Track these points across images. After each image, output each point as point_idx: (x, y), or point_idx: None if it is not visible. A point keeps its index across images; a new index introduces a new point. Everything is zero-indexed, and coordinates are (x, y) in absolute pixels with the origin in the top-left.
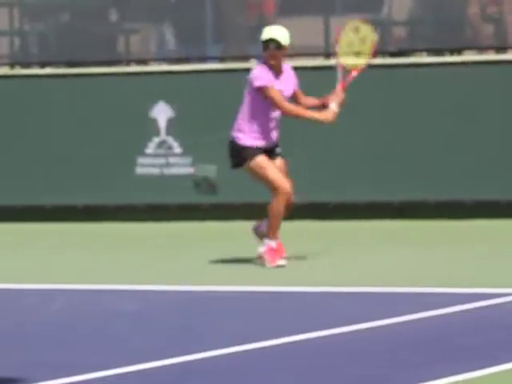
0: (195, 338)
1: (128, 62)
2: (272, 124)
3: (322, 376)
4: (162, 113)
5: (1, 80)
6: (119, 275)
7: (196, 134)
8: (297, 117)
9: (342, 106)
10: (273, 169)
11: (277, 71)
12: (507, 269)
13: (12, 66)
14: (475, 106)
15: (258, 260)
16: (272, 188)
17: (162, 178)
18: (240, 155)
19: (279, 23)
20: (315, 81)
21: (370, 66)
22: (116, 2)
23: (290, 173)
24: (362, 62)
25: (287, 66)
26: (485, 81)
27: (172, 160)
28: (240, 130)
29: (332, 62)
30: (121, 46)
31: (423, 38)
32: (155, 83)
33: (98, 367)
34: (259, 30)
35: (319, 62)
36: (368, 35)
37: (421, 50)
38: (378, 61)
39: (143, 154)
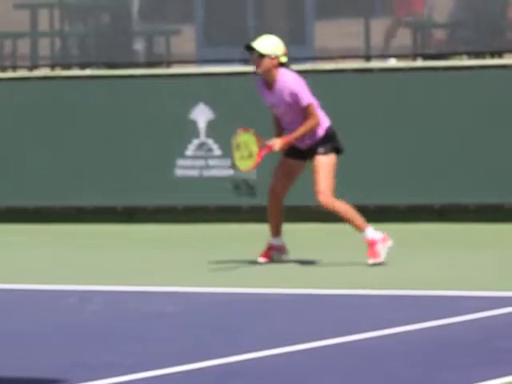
0: (236, 340)
1: (168, 64)
2: (287, 128)
3: (365, 377)
4: (201, 115)
5: (41, 81)
6: (159, 277)
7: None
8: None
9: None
10: (278, 169)
11: (268, 82)
12: None
13: (52, 67)
14: None
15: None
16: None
17: (201, 179)
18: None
19: (317, 26)
20: (356, 83)
21: (411, 69)
22: (157, 3)
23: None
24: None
25: (283, 79)
26: None
27: (211, 162)
28: None
29: (372, 64)
30: (161, 47)
31: (463, 41)
32: (195, 85)
33: (138, 368)
34: (299, 33)
35: (360, 64)
36: (246, 139)
37: (461, 53)
38: (419, 63)
39: (183, 156)
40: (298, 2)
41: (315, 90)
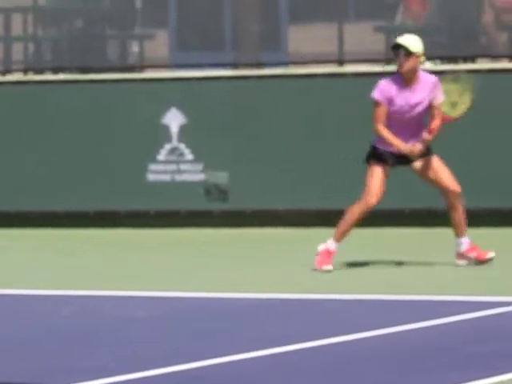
0: (210, 344)
1: (141, 68)
2: (408, 131)
3: (336, 381)
4: (174, 119)
5: (14, 86)
6: (130, 281)
7: (208, 141)
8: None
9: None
10: (375, 179)
11: (408, 81)
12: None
13: (25, 71)
14: (490, 111)
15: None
16: (363, 193)
17: (173, 184)
18: (370, 153)
19: (291, 31)
20: (329, 87)
21: (384, 74)
22: (129, 8)
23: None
24: (455, 112)
25: (427, 77)
26: (498, 88)
27: (183, 167)
28: None
29: (345, 69)
30: (135, 51)
31: (437, 46)
32: (168, 89)
33: (111, 372)
34: (273, 38)
35: (332, 69)
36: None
37: (434, 58)
38: (392, 68)
39: (155, 161)
40: (272, 6)
41: (288, 95)
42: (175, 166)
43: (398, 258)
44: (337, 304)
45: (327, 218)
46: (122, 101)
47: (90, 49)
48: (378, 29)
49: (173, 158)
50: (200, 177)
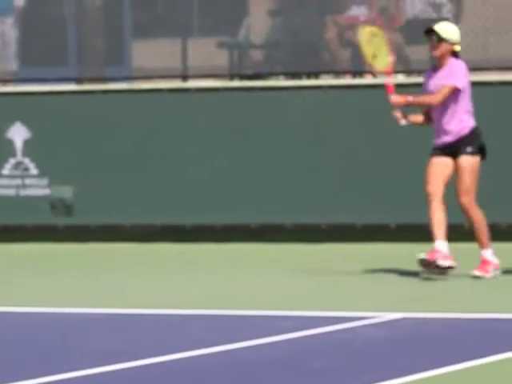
0: (48, 360)
1: None
2: (440, 122)
3: None
4: (18, 134)
5: None
6: None
7: (53, 156)
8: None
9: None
10: (431, 172)
11: (438, 65)
12: (360, 292)
13: None
14: (331, 130)
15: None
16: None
17: (17, 199)
18: None
19: (135, 46)
20: (173, 102)
21: (228, 89)
22: None
23: None
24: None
25: (454, 62)
26: (341, 104)
27: (28, 181)
28: None
29: (189, 84)
30: None
31: (280, 62)
32: (12, 104)
33: None
34: (116, 53)
35: (176, 84)
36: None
37: (278, 74)
38: (236, 83)
39: None
40: (116, 21)
41: (132, 109)
42: (20, 180)
43: (233, 274)
44: (177, 319)
45: (173, 233)
46: None
47: None
48: (221, 44)
49: (17, 172)
50: (45, 191)
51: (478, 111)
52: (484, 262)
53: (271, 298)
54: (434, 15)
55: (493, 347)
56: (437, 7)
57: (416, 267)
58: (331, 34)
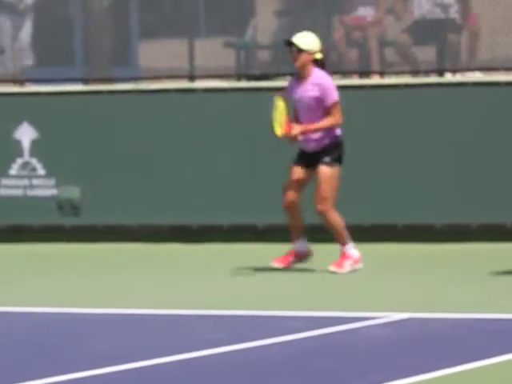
0: (55, 360)
1: None
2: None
3: None
4: (25, 134)
5: None
6: None
7: (60, 156)
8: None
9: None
10: (290, 179)
11: (301, 76)
12: (366, 292)
13: None
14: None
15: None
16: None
17: (25, 199)
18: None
19: (142, 46)
20: (180, 103)
21: (235, 89)
22: None
23: None
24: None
25: (317, 74)
26: (349, 105)
27: (35, 182)
28: None
29: (196, 84)
30: None
31: (287, 62)
32: (19, 104)
33: None
34: (124, 53)
35: (183, 84)
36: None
37: (285, 74)
38: (243, 84)
39: (7, 176)
40: (123, 22)
41: (139, 110)
42: (27, 180)
43: (237, 273)
44: (181, 319)
45: (181, 234)
46: None
47: None
48: (228, 44)
49: (25, 172)
50: (52, 192)
51: (485, 111)
52: (343, 257)
53: (278, 298)
54: (441, 15)
55: (499, 348)
56: (444, 7)
57: (423, 267)
58: (338, 34)
